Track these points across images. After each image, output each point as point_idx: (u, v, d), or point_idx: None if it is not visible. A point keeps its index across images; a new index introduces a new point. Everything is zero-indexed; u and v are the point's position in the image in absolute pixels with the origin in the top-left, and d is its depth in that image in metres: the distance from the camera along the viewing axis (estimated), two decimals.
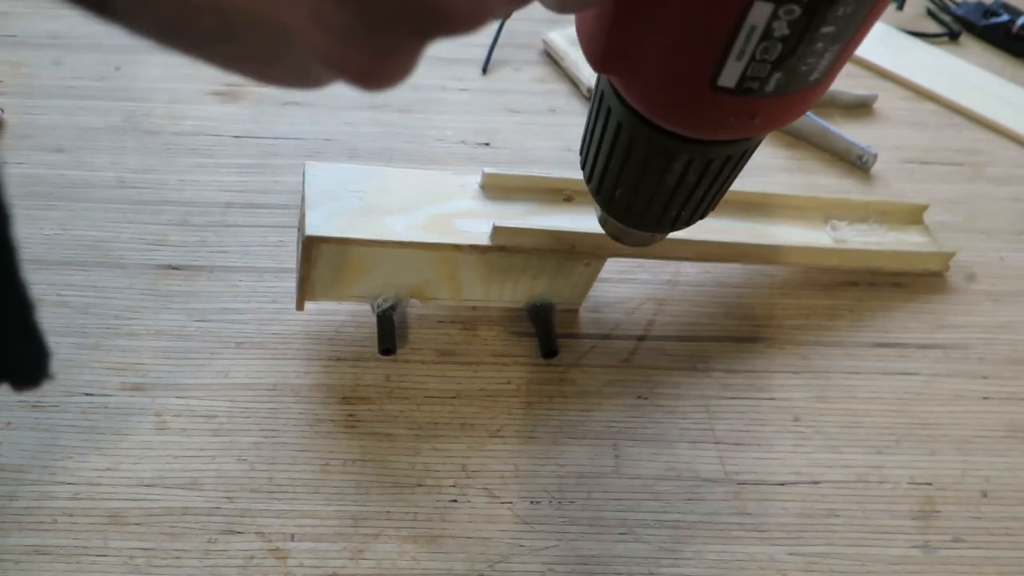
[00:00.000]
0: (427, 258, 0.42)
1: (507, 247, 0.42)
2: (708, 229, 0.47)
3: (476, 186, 0.45)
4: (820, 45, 0.22)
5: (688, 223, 0.33)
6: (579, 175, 0.45)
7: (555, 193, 0.45)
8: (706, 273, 0.52)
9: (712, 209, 0.33)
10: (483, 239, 0.42)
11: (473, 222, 0.43)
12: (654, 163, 0.28)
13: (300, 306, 0.44)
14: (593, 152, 0.31)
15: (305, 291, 0.43)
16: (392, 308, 0.45)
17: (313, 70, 0.21)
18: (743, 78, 0.23)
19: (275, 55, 0.20)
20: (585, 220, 0.44)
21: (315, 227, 0.40)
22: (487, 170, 0.44)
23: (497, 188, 0.45)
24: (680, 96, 0.24)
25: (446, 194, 0.44)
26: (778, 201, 0.50)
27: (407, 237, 0.41)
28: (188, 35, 0.19)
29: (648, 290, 0.50)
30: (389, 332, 0.45)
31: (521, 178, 0.45)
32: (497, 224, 0.41)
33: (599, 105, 0.29)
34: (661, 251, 0.45)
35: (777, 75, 0.23)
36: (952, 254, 0.52)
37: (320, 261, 0.41)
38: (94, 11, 0.18)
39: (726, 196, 0.48)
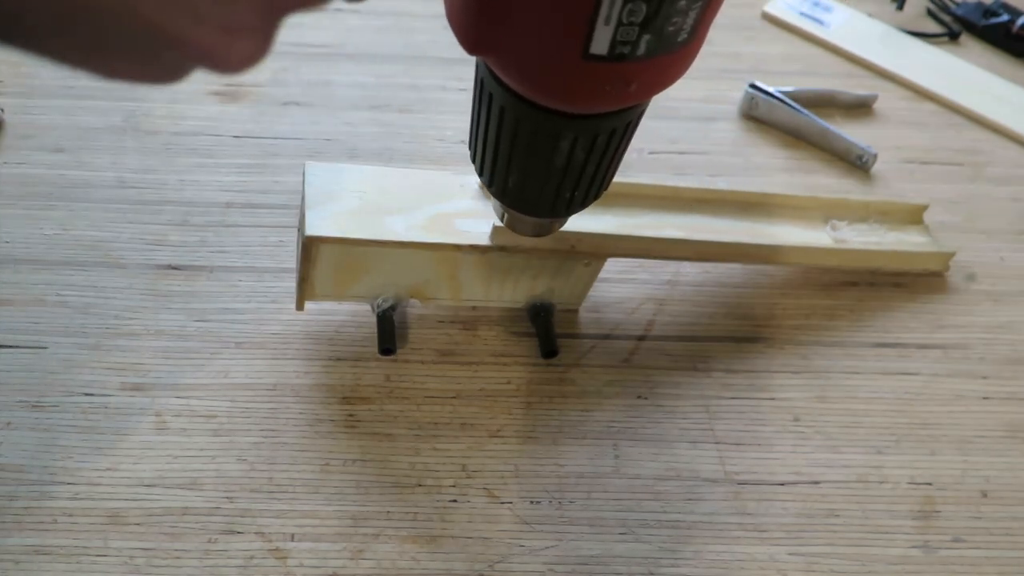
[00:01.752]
0: (427, 258, 0.42)
1: (507, 247, 0.42)
2: (708, 229, 0.47)
3: (476, 186, 0.45)
4: (683, 3, 0.22)
5: (583, 205, 0.33)
6: None
7: None
8: (706, 273, 0.52)
9: (605, 189, 0.32)
10: (483, 239, 0.42)
11: (473, 222, 0.43)
12: (541, 144, 0.28)
13: (300, 306, 0.44)
14: (481, 142, 0.30)
15: (305, 291, 0.43)
16: (392, 308, 0.45)
17: (164, 58, 0.20)
18: (614, 43, 0.23)
19: (122, 44, 0.19)
20: (585, 220, 0.44)
21: (315, 227, 0.40)
22: None
23: None
24: (555, 69, 0.24)
25: (446, 194, 0.44)
26: (778, 201, 0.50)
27: (407, 237, 0.41)
28: (23, 26, 0.17)
29: (648, 290, 0.50)
30: (389, 332, 0.45)
31: None
32: (497, 224, 0.41)
33: (480, 93, 0.29)
34: (661, 251, 0.45)
35: (646, 37, 0.23)
36: (952, 254, 0.52)
37: (320, 261, 0.41)
38: None
39: (726, 196, 0.49)
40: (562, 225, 0.37)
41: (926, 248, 0.52)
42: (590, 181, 0.31)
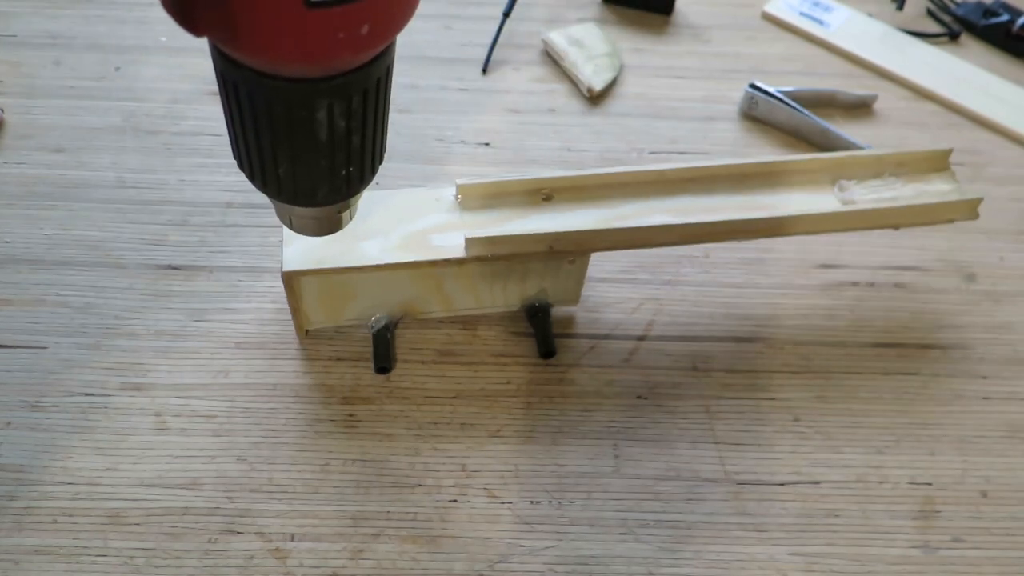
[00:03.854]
0: (407, 277, 0.43)
1: (482, 257, 0.42)
2: (700, 209, 0.44)
3: (451, 199, 0.44)
4: None
5: (363, 182, 0.32)
6: (558, 172, 0.45)
7: (533, 194, 0.44)
8: (706, 273, 0.52)
9: (380, 161, 0.32)
10: (458, 252, 0.42)
11: (448, 236, 0.42)
12: (297, 120, 0.27)
13: (300, 334, 0.45)
14: (241, 140, 0.29)
15: (301, 321, 0.44)
16: (387, 327, 0.45)
17: None
18: None
19: None
20: (563, 218, 0.43)
21: (292, 262, 0.41)
22: (459, 182, 0.44)
23: (474, 198, 0.44)
24: (281, 27, 0.23)
25: (421, 211, 0.44)
26: (778, 168, 0.46)
27: (382, 259, 0.41)
28: None
29: (648, 290, 0.50)
30: (383, 351, 0.44)
31: (496, 184, 0.44)
32: (468, 236, 0.41)
33: (224, 86, 0.28)
34: (643, 239, 0.43)
35: None
36: (979, 200, 0.46)
37: (304, 293, 0.42)
38: None
39: (717, 171, 0.46)
40: (352, 215, 0.35)
41: (950, 197, 0.46)
42: (360, 153, 0.30)
